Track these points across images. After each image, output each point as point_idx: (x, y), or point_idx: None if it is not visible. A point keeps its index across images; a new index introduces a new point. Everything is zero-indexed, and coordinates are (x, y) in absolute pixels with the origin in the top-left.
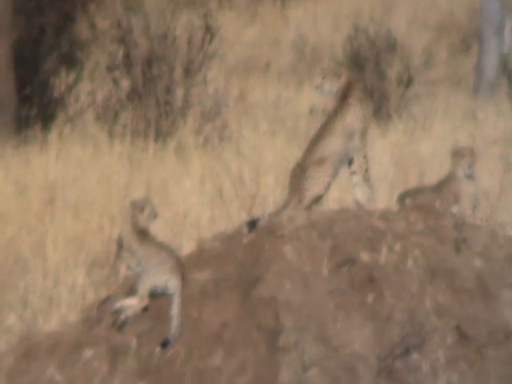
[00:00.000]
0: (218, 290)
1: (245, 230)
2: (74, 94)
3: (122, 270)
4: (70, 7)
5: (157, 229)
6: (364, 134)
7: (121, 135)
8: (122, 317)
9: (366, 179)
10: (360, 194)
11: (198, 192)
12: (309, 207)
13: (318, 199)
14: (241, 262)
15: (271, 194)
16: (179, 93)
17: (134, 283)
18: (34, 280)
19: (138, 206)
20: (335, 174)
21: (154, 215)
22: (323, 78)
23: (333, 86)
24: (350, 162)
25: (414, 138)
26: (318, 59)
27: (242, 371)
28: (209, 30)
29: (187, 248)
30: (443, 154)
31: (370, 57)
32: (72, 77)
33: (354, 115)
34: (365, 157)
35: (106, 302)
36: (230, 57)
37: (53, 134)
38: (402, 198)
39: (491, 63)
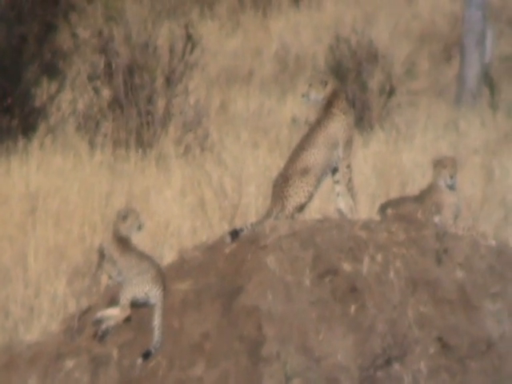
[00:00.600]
0: (199, 300)
1: (227, 239)
2: (55, 103)
3: (104, 280)
4: (52, 16)
5: (138, 239)
6: (348, 143)
7: (102, 145)
8: (104, 327)
9: (349, 189)
10: (342, 203)
11: (180, 202)
12: (291, 216)
13: (300, 209)
14: (222, 272)
15: (253, 204)
16: (161, 102)
17: (116, 293)
18: (15, 290)
19: (120, 216)
20: (318, 184)
21: (139, 226)
22: (309, 85)
23: (319, 95)
24: (334, 172)
25: (396, 148)
26: (301, 69)
27: (223, 382)
28: (190, 40)
29: (168, 258)
30: (425, 164)
31: (352, 67)
32: (53, 87)
33: (338, 125)
34: (348, 166)
35: (87, 312)
36: (211, 67)
37: (34, 144)
38: (383, 208)
39: (473, 73)
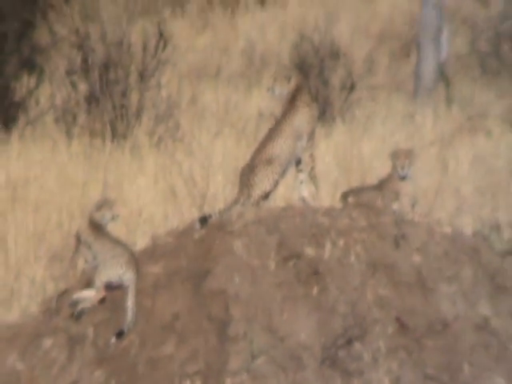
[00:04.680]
0: (170, 283)
1: (196, 226)
2: (34, 97)
3: (80, 264)
4: (31, 15)
5: (113, 225)
6: (311, 135)
7: (79, 136)
8: (80, 308)
9: (312, 177)
10: (305, 191)
11: (152, 190)
12: (257, 204)
13: (265, 197)
14: (192, 256)
15: (221, 192)
16: (134, 96)
17: (91, 276)
18: None
19: (95, 205)
20: (283, 172)
21: (112, 217)
22: (274, 80)
23: (283, 89)
24: (298, 162)
25: (356, 139)
26: (266, 65)
27: (193, 359)
28: (162, 37)
29: (142, 243)
30: (384, 155)
31: (315, 64)
32: (32, 81)
33: (302, 118)
34: (311, 156)
35: (64, 294)
36: (182, 63)
37: (14, 136)
38: (345, 196)
39: (429, 69)
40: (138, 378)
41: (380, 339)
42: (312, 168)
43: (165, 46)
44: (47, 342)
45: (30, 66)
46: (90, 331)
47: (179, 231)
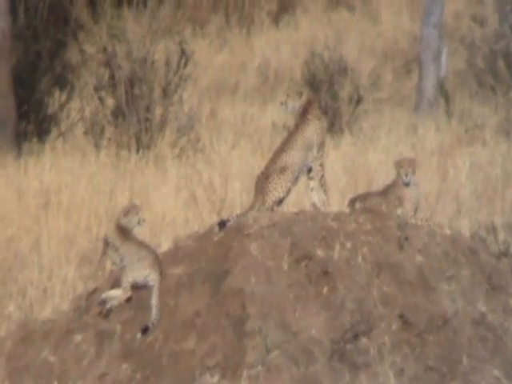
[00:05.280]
0: (191, 283)
1: (215, 229)
2: (65, 111)
3: (108, 266)
4: (63, 35)
5: (139, 229)
6: (321, 145)
7: (106, 147)
8: (108, 306)
9: (322, 184)
10: (316, 198)
11: (174, 197)
12: (271, 209)
13: (279, 202)
14: (212, 257)
15: (238, 199)
16: (158, 110)
17: (118, 277)
18: (31, 274)
19: (123, 210)
20: (296, 180)
21: (138, 221)
22: (287, 95)
23: (295, 103)
24: (309, 170)
25: (362, 149)
26: (280, 81)
27: (212, 353)
28: (184, 55)
29: (165, 246)
30: (388, 164)
31: (325, 79)
32: (64, 96)
33: (313, 130)
34: (321, 165)
35: (93, 293)
36: (202, 79)
37: (47, 147)
38: (352, 202)
39: (430, 85)
40: (161, 371)
41: (385, 334)
42: (322, 176)
43: (186, 64)
44: (77, 338)
45: (61, 82)
46: (118, 327)
47: (199, 234)
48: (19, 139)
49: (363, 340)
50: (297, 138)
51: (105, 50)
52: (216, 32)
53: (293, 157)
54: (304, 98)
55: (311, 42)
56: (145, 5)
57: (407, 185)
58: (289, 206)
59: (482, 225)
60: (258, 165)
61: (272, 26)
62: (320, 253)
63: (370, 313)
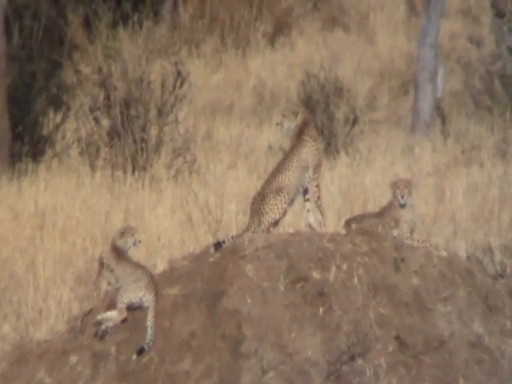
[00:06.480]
0: (187, 304)
1: (211, 250)
2: (60, 131)
3: (103, 287)
4: (58, 55)
5: (134, 250)
6: (318, 166)
7: (102, 168)
8: (103, 327)
9: (318, 206)
10: (312, 219)
11: (170, 218)
12: (267, 230)
13: (275, 224)
14: (207, 278)
15: (234, 220)
16: (153, 131)
17: (114, 298)
18: (26, 294)
19: (118, 231)
20: (291, 202)
21: (134, 243)
22: (283, 116)
23: (291, 124)
24: (305, 191)
25: (358, 170)
26: (275, 102)
27: (208, 374)
28: (180, 76)
29: (160, 266)
30: (384, 185)
31: (321, 100)
32: (59, 117)
33: (309, 151)
34: (317, 186)
35: (89, 314)
36: (198, 99)
37: (42, 168)
38: (348, 223)
39: (426, 105)
40: None
41: (381, 356)
42: (318, 197)
43: (182, 84)
44: (73, 359)
45: (56, 102)
46: (113, 349)
47: (195, 255)
48: (14, 160)
49: (359, 361)
50: (292, 158)
51: (100, 70)
52: (212, 53)
53: (289, 178)
54: (300, 119)
55: (307, 63)
56: (140, 25)
57: (403, 206)
58: (285, 227)
59: (478, 246)
60: (254, 186)
61: (268, 47)
62: (316, 274)
63: (366, 334)
